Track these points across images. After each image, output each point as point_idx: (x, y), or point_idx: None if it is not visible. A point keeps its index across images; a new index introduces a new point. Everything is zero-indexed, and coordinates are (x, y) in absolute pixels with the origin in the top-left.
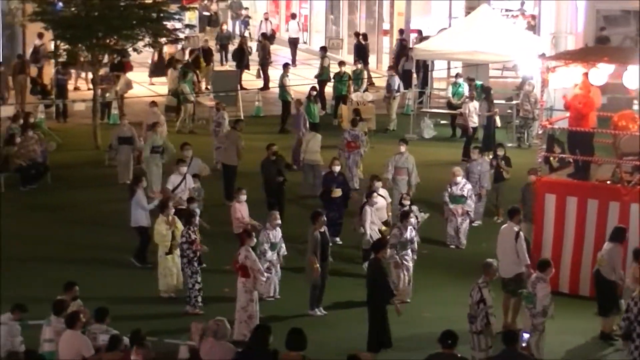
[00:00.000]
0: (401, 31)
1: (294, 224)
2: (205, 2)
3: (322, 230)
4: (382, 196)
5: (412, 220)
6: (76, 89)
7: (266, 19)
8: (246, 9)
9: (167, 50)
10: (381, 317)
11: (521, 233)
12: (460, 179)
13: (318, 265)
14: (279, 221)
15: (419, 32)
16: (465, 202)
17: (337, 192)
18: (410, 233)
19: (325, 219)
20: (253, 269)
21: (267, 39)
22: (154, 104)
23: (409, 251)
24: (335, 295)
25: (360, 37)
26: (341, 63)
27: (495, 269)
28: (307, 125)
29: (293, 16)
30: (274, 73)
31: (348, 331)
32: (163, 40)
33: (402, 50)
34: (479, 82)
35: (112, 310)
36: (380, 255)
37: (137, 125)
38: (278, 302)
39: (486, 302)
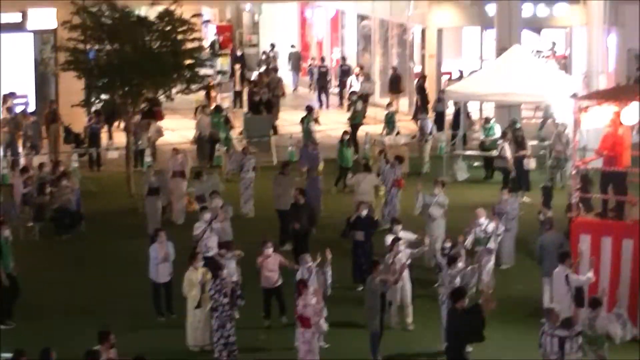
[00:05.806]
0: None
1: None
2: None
3: (380, 277)
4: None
5: (460, 264)
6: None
7: (357, 75)
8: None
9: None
10: None
11: (571, 275)
12: (483, 220)
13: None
14: (310, 263)
15: (450, 74)
16: (488, 241)
17: (360, 236)
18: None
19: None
20: (313, 319)
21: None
22: (175, 151)
23: None
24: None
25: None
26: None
27: (557, 312)
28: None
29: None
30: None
31: None
32: (194, 86)
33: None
34: (518, 124)
35: None
36: (459, 304)
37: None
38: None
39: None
